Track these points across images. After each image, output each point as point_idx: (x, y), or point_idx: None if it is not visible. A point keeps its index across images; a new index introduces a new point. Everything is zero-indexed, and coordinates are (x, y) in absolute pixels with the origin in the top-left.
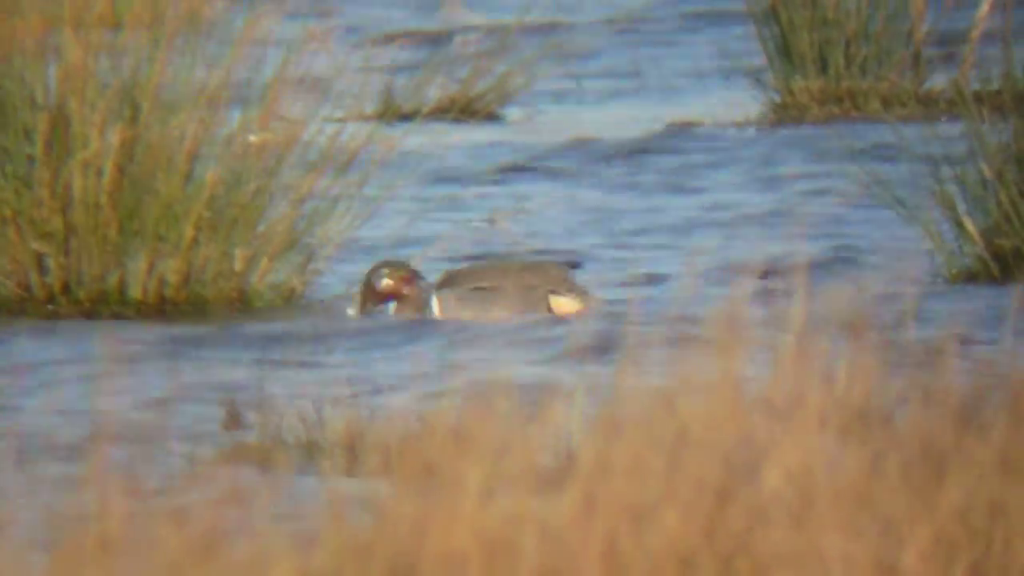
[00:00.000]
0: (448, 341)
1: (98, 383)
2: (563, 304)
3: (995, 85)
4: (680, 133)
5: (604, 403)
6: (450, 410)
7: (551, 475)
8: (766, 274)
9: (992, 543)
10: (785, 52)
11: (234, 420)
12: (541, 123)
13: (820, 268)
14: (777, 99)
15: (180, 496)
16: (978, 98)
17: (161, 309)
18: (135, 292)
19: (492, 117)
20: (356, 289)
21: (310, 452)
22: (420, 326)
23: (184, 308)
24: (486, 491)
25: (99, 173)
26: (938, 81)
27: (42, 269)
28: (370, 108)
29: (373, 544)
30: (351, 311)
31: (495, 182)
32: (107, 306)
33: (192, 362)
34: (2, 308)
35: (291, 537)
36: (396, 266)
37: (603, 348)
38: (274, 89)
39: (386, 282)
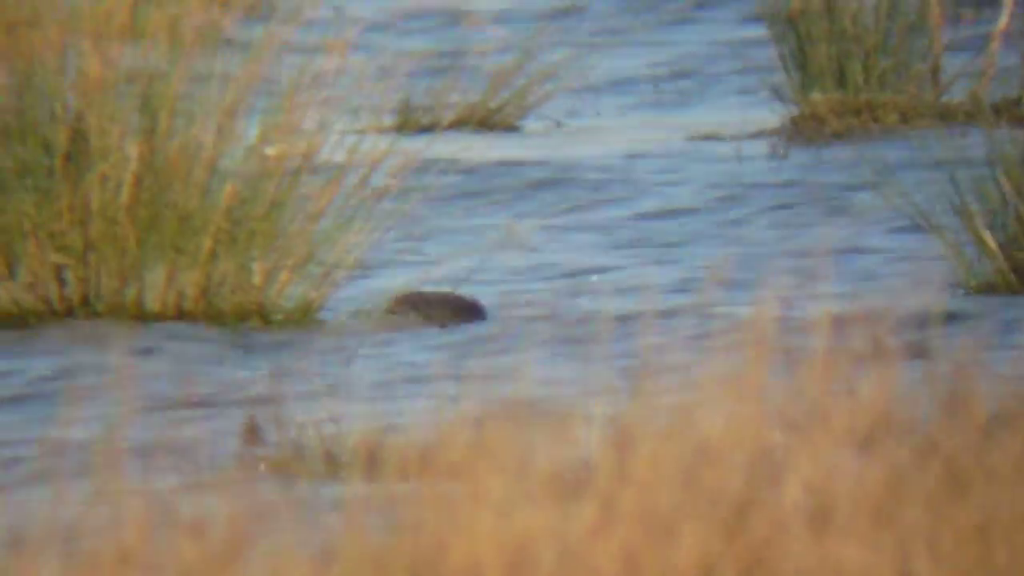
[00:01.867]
0: (467, 350)
1: (116, 395)
2: None
3: (1014, 96)
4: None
5: (623, 413)
6: (470, 420)
7: (570, 486)
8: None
9: (1013, 557)
10: (803, 64)
11: (253, 433)
12: (560, 135)
13: (839, 280)
14: (795, 111)
15: (198, 508)
16: (996, 110)
17: (179, 321)
18: (153, 305)
19: (512, 129)
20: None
21: (328, 464)
22: (436, 335)
23: (202, 321)
24: (506, 502)
25: (118, 186)
26: (957, 93)
27: (61, 282)
28: (388, 120)
29: (392, 555)
30: None
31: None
32: (125, 318)
33: (210, 374)
34: (21, 320)
35: (310, 549)
36: None
37: (623, 357)
38: (292, 101)
39: None
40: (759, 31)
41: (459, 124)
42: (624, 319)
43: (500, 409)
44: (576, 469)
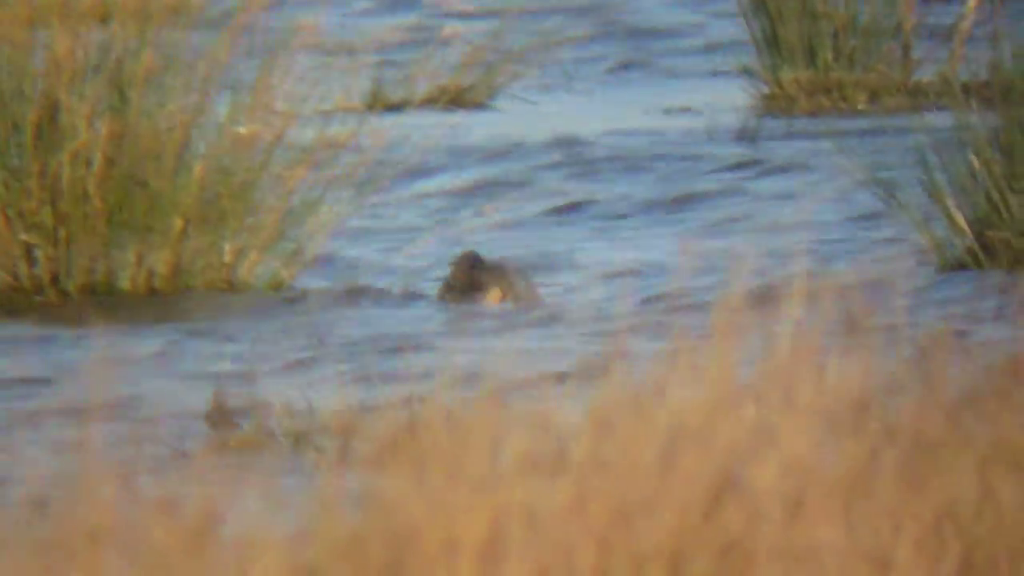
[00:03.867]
0: (444, 331)
1: (86, 374)
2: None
3: (983, 76)
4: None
5: (597, 395)
6: (444, 401)
7: (545, 467)
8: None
9: (983, 533)
10: (773, 43)
11: (221, 412)
12: (530, 113)
13: (809, 259)
14: (765, 90)
15: (168, 488)
16: (966, 89)
17: (150, 300)
18: (124, 283)
19: (482, 107)
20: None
21: (300, 444)
22: (414, 315)
23: (173, 299)
24: (479, 483)
25: (88, 164)
26: (927, 72)
27: (31, 260)
28: (358, 99)
29: (364, 536)
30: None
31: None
32: (96, 297)
33: (180, 353)
34: None
35: (281, 529)
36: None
37: (598, 338)
38: (263, 80)
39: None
40: (730, 8)
41: (430, 102)
42: (599, 303)
43: (475, 389)
44: (551, 450)
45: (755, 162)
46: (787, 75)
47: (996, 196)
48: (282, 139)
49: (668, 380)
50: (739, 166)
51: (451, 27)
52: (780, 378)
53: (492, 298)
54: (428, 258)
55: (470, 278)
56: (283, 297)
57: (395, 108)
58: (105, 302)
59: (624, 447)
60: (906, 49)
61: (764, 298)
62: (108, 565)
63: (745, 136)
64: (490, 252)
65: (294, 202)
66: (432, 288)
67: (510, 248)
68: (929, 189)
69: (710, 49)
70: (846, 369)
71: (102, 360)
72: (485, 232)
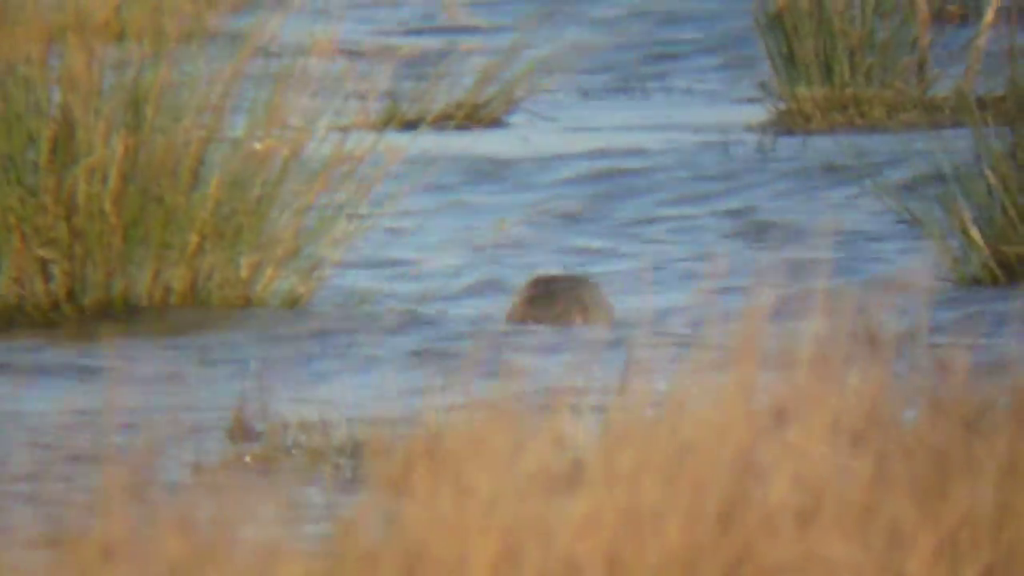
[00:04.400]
0: (457, 348)
1: (102, 390)
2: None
3: (1000, 92)
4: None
5: (613, 410)
6: (459, 417)
7: (559, 482)
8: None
9: (998, 549)
10: (790, 60)
11: (241, 429)
12: (546, 129)
13: (826, 274)
14: (782, 106)
15: (184, 504)
16: (982, 105)
17: (166, 316)
18: (140, 299)
19: (498, 124)
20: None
21: (316, 460)
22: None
23: (189, 315)
24: (493, 498)
25: (104, 180)
26: (943, 88)
27: (47, 276)
28: (374, 115)
29: (378, 551)
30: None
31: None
32: (112, 313)
33: (197, 369)
34: (6, 314)
35: (297, 546)
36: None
37: (613, 354)
38: (278, 96)
39: None
40: (747, 24)
41: (445, 119)
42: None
43: (491, 404)
44: (564, 465)
45: (770, 178)
46: (803, 91)
47: (1012, 211)
48: (298, 155)
49: (686, 393)
50: (752, 184)
51: (468, 42)
52: (796, 392)
53: (574, 317)
54: (445, 274)
55: (549, 297)
56: (300, 313)
57: (411, 125)
58: (121, 318)
59: (637, 460)
60: (922, 65)
61: (782, 312)
62: None
63: (761, 152)
64: (519, 269)
65: (311, 218)
66: (452, 305)
67: (531, 265)
68: (945, 204)
69: (726, 65)
70: (862, 383)
71: (118, 375)
72: (509, 249)
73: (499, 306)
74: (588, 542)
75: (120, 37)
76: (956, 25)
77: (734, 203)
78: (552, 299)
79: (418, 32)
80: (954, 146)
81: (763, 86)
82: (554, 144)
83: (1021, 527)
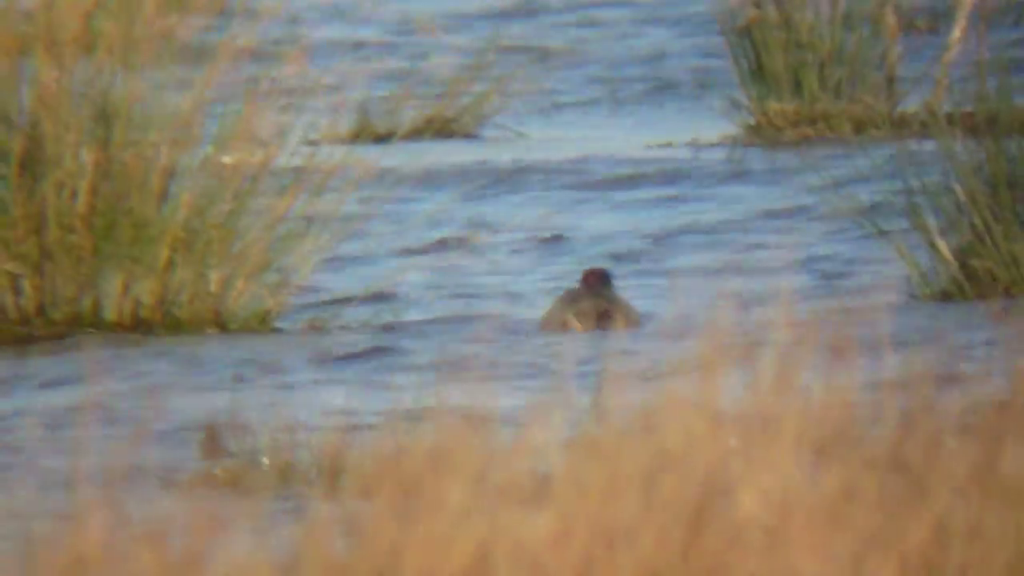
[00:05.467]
0: (426, 360)
1: (75, 406)
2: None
3: (968, 106)
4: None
5: (582, 422)
6: (429, 431)
7: (529, 495)
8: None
9: (967, 564)
10: (759, 74)
11: (212, 444)
12: (517, 144)
13: (795, 289)
14: (751, 121)
15: (156, 519)
16: (951, 120)
17: (136, 331)
18: (110, 314)
19: (469, 137)
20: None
21: (286, 475)
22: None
23: (159, 330)
24: (464, 512)
25: (73, 194)
26: (911, 103)
27: (16, 290)
28: (345, 128)
29: (350, 565)
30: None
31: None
32: (82, 328)
33: (167, 384)
34: None
35: (268, 559)
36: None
37: (584, 366)
38: (248, 110)
39: None
40: (717, 40)
41: (416, 133)
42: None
43: (460, 418)
44: (535, 478)
45: (740, 191)
46: (773, 106)
47: (980, 226)
48: (268, 169)
49: (655, 407)
50: (721, 197)
51: (439, 58)
52: (764, 406)
53: (618, 324)
54: (415, 286)
55: (596, 304)
56: (270, 326)
57: (382, 139)
58: (91, 331)
59: (607, 474)
60: (891, 79)
61: (750, 326)
62: None
63: (731, 166)
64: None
65: (280, 232)
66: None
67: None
68: (914, 219)
69: (696, 80)
70: (830, 398)
71: (90, 391)
72: (472, 259)
73: (468, 312)
74: (559, 554)
75: (90, 50)
76: (925, 40)
77: (700, 215)
78: (585, 305)
79: (391, 46)
80: (922, 161)
81: (733, 100)
82: (524, 155)
83: (989, 541)
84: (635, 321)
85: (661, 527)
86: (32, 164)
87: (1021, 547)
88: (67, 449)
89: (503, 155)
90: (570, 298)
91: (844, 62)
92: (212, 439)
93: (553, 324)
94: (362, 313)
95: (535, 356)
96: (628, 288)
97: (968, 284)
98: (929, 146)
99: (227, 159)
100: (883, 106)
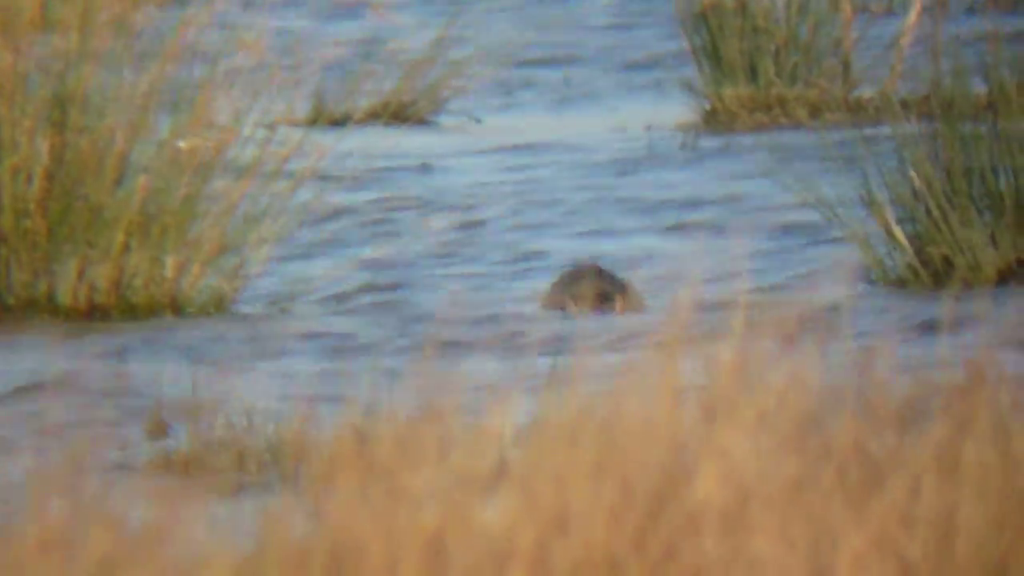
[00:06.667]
0: (389, 346)
1: (31, 389)
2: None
3: (923, 91)
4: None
5: (541, 407)
6: (389, 415)
7: (488, 480)
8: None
9: (927, 548)
10: (714, 59)
11: (159, 428)
12: (474, 129)
13: (753, 275)
14: (707, 106)
15: (113, 503)
16: (906, 105)
17: (91, 315)
18: (65, 298)
19: (425, 123)
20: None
21: (242, 459)
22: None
23: (114, 314)
24: (422, 497)
25: (28, 179)
26: (867, 88)
27: None
28: (301, 113)
29: (307, 549)
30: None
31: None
32: (37, 312)
33: (122, 368)
34: None
35: (225, 545)
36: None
37: (548, 350)
38: (204, 95)
39: None
40: (671, 23)
41: (372, 118)
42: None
43: (420, 406)
44: (492, 464)
45: (694, 176)
46: (728, 91)
47: (936, 212)
48: (224, 153)
49: (617, 390)
50: (675, 183)
51: (395, 41)
52: (721, 391)
53: (618, 308)
54: (359, 274)
55: (598, 288)
56: (226, 311)
57: (338, 123)
58: (45, 316)
59: (564, 458)
60: (846, 65)
61: (706, 311)
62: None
63: (686, 152)
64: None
65: (236, 217)
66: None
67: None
68: (869, 205)
69: (650, 65)
70: (786, 384)
71: (44, 375)
72: (427, 243)
73: (419, 298)
74: (514, 540)
75: (46, 33)
76: (880, 23)
77: (659, 198)
78: (587, 286)
79: (344, 29)
80: (878, 147)
81: (688, 85)
82: (479, 142)
83: (948, 526)
84: (637, 305)
85: (615, 512)
86: None
87: (983, 533)
88: (23, 429)
89: (458, 141)
90: (570, 279)
91: (799, 47)
92: (158, 421)
93: (552, 306)
94: (321, 297)
95: (504, 338)
96: None
97: (924, 271)
98: (885, 131)
99: (183, 144)
100: (839, 92)
